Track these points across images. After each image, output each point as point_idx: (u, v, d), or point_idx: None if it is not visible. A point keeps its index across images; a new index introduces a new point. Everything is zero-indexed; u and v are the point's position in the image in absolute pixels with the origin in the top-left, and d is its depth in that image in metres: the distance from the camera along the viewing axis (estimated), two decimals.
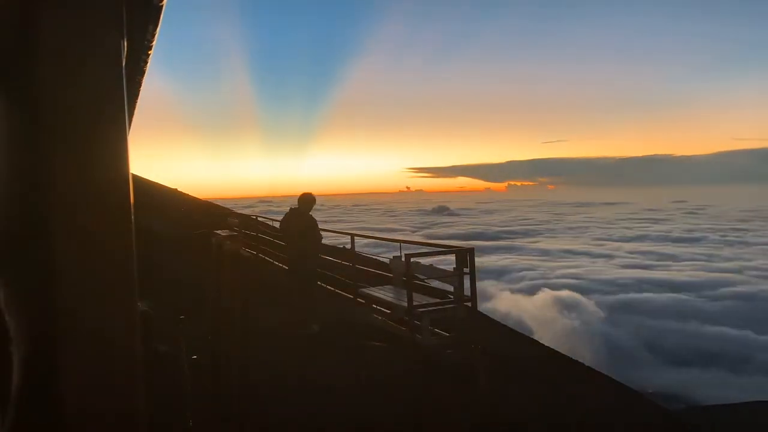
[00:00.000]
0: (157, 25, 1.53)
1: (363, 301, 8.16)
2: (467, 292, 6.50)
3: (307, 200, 8.16)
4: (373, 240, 11.27)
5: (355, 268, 8.63)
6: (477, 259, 6.51)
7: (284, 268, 10.82)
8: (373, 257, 10.36)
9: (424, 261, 7.21)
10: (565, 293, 31.85)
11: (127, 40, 1.07)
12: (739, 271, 38.76)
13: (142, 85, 2.55)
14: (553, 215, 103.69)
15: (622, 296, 32.16)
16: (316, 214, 8.31)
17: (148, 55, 1.90)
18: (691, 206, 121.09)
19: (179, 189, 19.91)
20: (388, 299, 7.26)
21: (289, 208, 8.43)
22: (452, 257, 6.69)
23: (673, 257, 47.18)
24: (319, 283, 8.99)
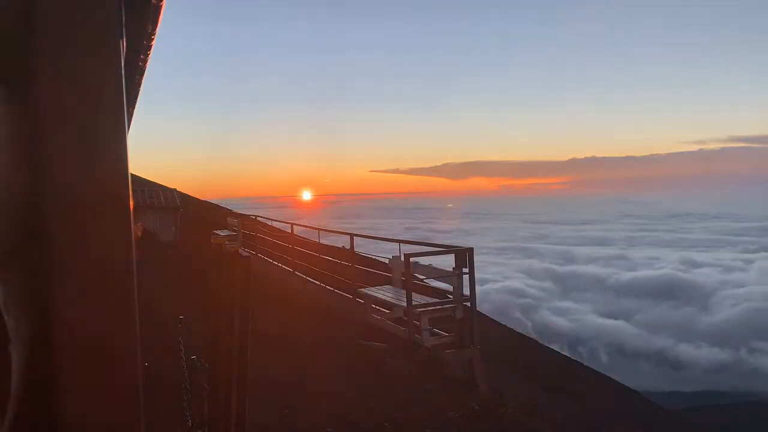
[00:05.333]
0: (156, 25, 1.52)
1: (362, 301, 8.16)
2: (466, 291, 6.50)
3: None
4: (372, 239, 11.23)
5: (354, 267, 8.63)
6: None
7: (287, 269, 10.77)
8: (373, 257, 10.36)
9: (424, 261, 7.20)
10: None
11: (126, 40, 1.07)
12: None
13: (142, 84, 2.55)
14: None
15: None
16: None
17: (148, 54, 1.90)
18: None
19: (178, 189, 19.94)
20: (388, 299, 7.24)
21: None
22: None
23: None
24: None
